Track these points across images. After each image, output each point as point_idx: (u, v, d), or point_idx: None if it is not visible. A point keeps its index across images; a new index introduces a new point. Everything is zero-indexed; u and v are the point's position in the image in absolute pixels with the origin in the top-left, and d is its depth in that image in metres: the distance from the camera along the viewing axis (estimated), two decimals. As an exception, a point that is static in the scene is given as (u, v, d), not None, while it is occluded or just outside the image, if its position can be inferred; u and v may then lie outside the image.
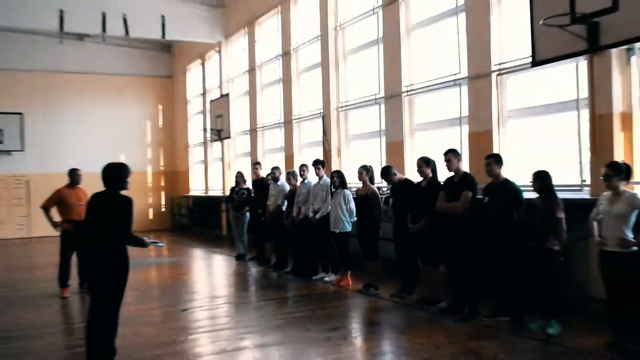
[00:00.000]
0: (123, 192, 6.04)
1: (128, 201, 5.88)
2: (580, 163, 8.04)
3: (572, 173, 8.26)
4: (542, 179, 6.90)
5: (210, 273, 12.59)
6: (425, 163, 8.52)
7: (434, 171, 8.51)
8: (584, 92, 7.78)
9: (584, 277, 7.19)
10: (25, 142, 20.57)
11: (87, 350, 5.89)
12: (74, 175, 10.02)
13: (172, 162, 23.75)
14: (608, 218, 6.22)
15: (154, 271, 13.06)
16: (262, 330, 7.43)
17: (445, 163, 8.05)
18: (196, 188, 22.03)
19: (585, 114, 7.79)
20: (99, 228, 5.85)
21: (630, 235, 6.08)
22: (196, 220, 20.73)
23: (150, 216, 23.20)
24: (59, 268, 9.77)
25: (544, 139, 8.87)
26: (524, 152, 9.07)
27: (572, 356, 6.03)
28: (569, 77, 8.13)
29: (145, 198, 23.15)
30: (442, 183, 8.29)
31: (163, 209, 23.56)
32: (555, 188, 7.15)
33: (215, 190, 19.96)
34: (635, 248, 6.06)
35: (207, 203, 19.82)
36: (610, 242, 6.17)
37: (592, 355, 5.97)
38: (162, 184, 23.66)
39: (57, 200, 9.78)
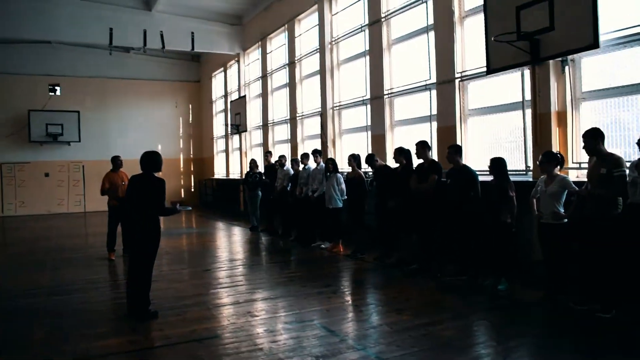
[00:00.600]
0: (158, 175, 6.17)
1: (162, 182, 6.02)
2: (525, 152, 8.13)
3: (518, 160, 8.36)
4: (497, 164, 7.00)
5: (229, 241, 12.67)
6: (399, 152, 8.64)
7: (408, 159, 8.61)
8: (528, 95, 7.86)
9: (528, 244, 7.31)
10: (82, 134, 20.58)
11: (127, 301, 6.05)
12: (116, 161, 10.08)
13: (200, 151, 23.77)
14: (544, 197, 6.35)
15: (184, 239, 13.20)
16: (270, 286, 7.53)
17: (415, 152, 8.18)
18: (219, 172, 22.08)
19: (529, 112, 7.87)
20: (138, 203, 5.97)
21: (561, 210, 6.21)
22: (219, 199, 20.83)
23: (182, 195, 23.26)
24: (107, 236, 9.93)
25: (497, 133, 8.94)
26: (482, 143, 9.15)
27: (515, 307, 6.19)
28: (516, 82, 8.18)
29: (177, 180, 23.25)
30: (414, 168, 8.42)
31: (192, 190, 23.62)
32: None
33: (235, 174, 20.03)
34: (565, 220, 6.20)
35: (228, 185, 19.90)
36: (546, 216, 6.31)
37: (531, 306, 6.12)
38: (192, 168, 23.70)
39: (106, 182, 9.90)
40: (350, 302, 6.54)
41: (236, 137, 19.47)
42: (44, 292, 7.37)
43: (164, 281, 7.84)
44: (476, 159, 8.96)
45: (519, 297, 6.46)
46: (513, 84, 8.30)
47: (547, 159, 6.34)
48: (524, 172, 8.11)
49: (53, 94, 20.75)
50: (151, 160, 6.05)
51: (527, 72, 7.86)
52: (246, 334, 5.29)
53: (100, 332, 5.51)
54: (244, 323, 5.67)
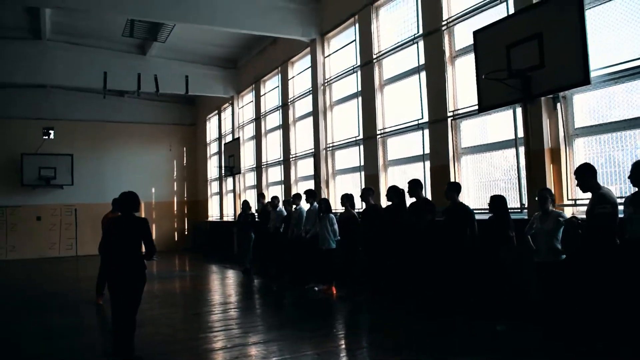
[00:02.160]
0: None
1: (146, 221, 5.86)
2: (520, 190, 8.02)
3: (513, 198, 8.24)
4: (497, 202, 6.90)
5: (221, 284, 12.40)
6: (392, 191, 8.56)
7: (402, 198, 8.51)
8: (521, 132, 7.82)
9: (525, 283, 7.12)
10: (75, 177, 20.42)
11: (114, 346, 5.81)
12: (115, 204, 9.82)
13: (194, 193, 23.58)
14: (540, 233, 6.21)
15: (175, 282, 12.94)
16: (261, 330, 7.32)
17: (408, 190, 8.09)
18: (213, 214, 21.89)
19: (522, 150, 7.81)
20: (123, 246, 5.79)
21: (559, 246, 6.07)
22: (213, 241, 20.56)
23: (176, 238, 23.00)
24: (97, 279, 9.66)
25: (491, 171, 8.87)
26: (476, 182, 9.05)
27: (514, 348, 5.95)
28: (509, 120, 8.15)
29: (171, 223, 23.01)
30: (407, 206, 8.31)
31: (186, 232, 23.34)
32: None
33: (229, 217, 19.83)
34: (563, 257, 6.06)
35: (222, 227, 19.69)
36: (542, 254, 6.16)
37: (530, 348, 5.90)
38: (186, 211, 23.48)
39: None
40: (343, 345, 6.30)
41: (230, 179, 19.38)
42: (36, 336, 7.18)
43: (152, 325, 7.58)
44: (470, 198, 8.87)
45: (518, 338, 6.23)
46: (505, 122, 8.27)
47: (548, 195, 6.25)
48: (519, 210, 7.98)
49: (47, 137, 20.61)
50: (131, 200, 5.90)
51: (519, 110, 7.84)
52: (234, 381, 5.06)
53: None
54: (233, 369, 5.43)
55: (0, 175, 19.87)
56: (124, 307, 5.75)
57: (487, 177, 8.89)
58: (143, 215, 6.04)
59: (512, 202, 8.19)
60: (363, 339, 6.93)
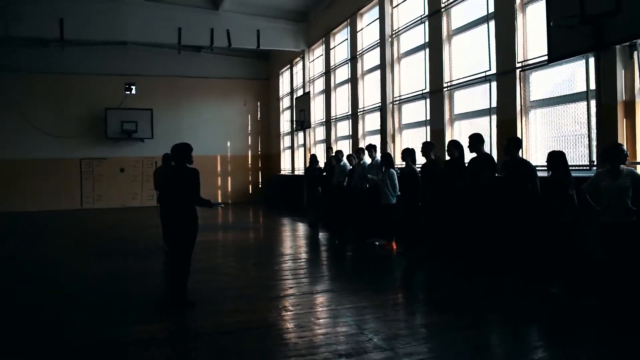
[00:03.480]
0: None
1: (196, 171, 6.01)
2: (590, 146, 7.51)
3: (582, 155, 7.75)
4: (556, 158, 6.52)
5: (286, 236, 12.64)
6: (453, 146, 8.28)
7: (461, 152, 8.23)
8: (593, 84, 7.25)
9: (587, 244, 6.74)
10: (155, 131, 21.26)
11: (168, 290, 6.09)
12: (165, 158, 10.00)
13: (268, 147, 23.98)
14: (611, 192, 5.78)
15: (242, 233, 13.26)
16: (312, 282, 7.47)
17: (468, 145, 7.78)
18: (285, 168, 22.18)
19: (593, 103, 7.27)
20: (175, 195, 5.98)
21: (632, 206, 5.67)
22: (285, 195, 20.89)
23: (250, 191, 23.62)
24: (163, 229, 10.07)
25: (560, 126, 8.34)
26: (544, 137, 8.57)
27: (571, 312, 5.69)
28: (581, 71, 7.58)
29: (245, 176, 23.64)
30: (467, 162, 8.03)
31: (260, 186, 23.88)
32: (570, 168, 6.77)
33: (300, 171, 20.03)
34: (634, 218, 5.65)
35: (293, 181, 19.94)
36: (612, 213, 5.76)
37: (589, 311, 5.61)
38: (259, 165, 23.97)
39: (157, 178, 10.02)
40: (389, 300, 6.26)
41: (301, 133, 19.49)
42: (97, 278, 7.64)
43: (212, 273, 7.91)
44: (539, 154, 8.42)
45: (576, 302, 5.94)
46: (577, 73, 7.70)
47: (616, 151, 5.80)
48: (588, 167, 7.49)
49: (129, 92, 21.57)
50: (183, 151, 6.05)
51: (592, 60, 7.26)
52: (276, 329, 5.19)
53: (135, 319, 5.59)
54: (276, 317, 5.57)
55: (86, 129, 21.03)
56: (177, 253, 5.97)
57: (556, 132, 8.38)
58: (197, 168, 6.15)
59: (582, 159, 7.72)
60: (411, 295, 6.90)
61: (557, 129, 8.36)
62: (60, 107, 20.75)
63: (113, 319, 5.60)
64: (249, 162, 23.87)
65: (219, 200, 6.09)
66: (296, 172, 20.43)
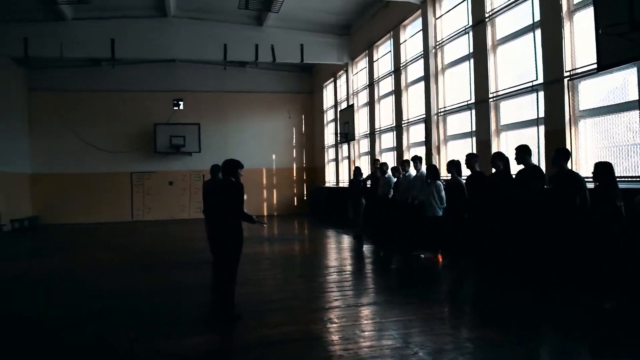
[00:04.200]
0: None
1: (240, 185, 6.13)
2: (644, 156, 7.28)
3: (635, 165, 7.50)
4: (603, 169, 6.34)
5: (331, 248, 12.63)
6: (498, 157, 8.16)
7: (507, 164, 8.11)
8: (646, 93, 7.04)
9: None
10: (202, 145, 21.70)
11: (214, 305, 6.17)
12: (214, 170, 10.05)
13: (312, 160, 24.13)
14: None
15: (288, 245, 13.33)
16: (357, 294, 7.42)
17: (515, 157, 7.66)
18: (330, 180, 22.26)
19: (646, 112, 7.05)
20: (221, 208, 6.10)
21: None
22: (330, 207, 20.93)
23: (295, 203, 23.80)
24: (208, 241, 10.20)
25: (611, 136, 8.10)
26: (595, 148, 8.34)
27: (622, 327, 5.48)
28: (632, 79, 7.37)
29: (291, 188, 23.84)
30: (515, 174, 7.90)
31: (305, 198, 24.02)
32: (621, 179, 6.57)
33: (344, 183, 20.05)
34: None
35: (338, 193, 19.96)
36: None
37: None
38: (304, 177, 24.12)
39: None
40: (435, 313, 6.17)
41: (345, 145, 19.55)
42: (145, 292, 7.83)
43: (255, 285, 7.98)
44: (589, 164, 8.19)
45: (628, 317, 5.73)
46: (629, 81, 7.48)
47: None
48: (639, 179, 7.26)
49: (177, 108, 22.15)
50: (230, 166, 6.19)
51: (644, 67, 7.05)
52: (320, 341, 5.20)
53: (181, 332, 5.69)
54: (321, 329, 5.58)
55: (137, 144, 21.69)
56: (223, 267, 6.08)
57: (608, 142, 8.14)
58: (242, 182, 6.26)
59: (635, 169, 7.47)
60: (457, 308, 6.78)
61: (608, 139, 8.13)
62: (111, 123, 21.53)
63: (158, 332, 5.69)
64: (294, 175, 24.06)
65: (264, 219, 6.06)
66: (341, 184, 20.46)
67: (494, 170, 8.32)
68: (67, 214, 20.87)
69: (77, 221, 20.60)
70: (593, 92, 8.30)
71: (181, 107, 22.20)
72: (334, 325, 5.75)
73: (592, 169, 7.31)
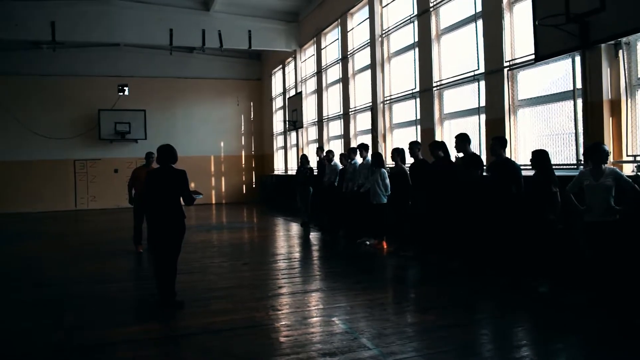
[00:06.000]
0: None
1: (184, 172, 6.01)
2: (577, 144, 7.51)
3: (569, 154, 7.75)
4: (539, 157, 6.52)
5: (278, 236, 12.58)
6: (435, 146, 8.32)
7: (446, 152, 8.27)
8: (580, 83, 7.26)
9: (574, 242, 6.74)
10: (148, 132, 21.16)
11: (158, 292, 6.04)
12: (148, 157, 10.04)
13: (261, 147, 23.92)
14: (594, 191, 5.77)
15: (234, 233, 13.22)
16: (302, 281, 7.44)
17: (454, 145, 7.80)
18: (279, 168, 22.16)
19: (580, 102, 7.27)
20: (163, 196, 5.95)
21: (614, 205, 5.66)
22: (279, 195, 20.87)
23: (244, 191, 23.60)
24: (134, 230, 10.05)
25: (548, 125, 8.34)
26: (532, 136, 8.57)
27: (556, 311, 5.69)
28: (567, 70, 7.59)
29: (239, 176, 23.62)
30: (453, 161, 8.04)
31: (254, 185, 23.84)
32: (555, 166, 6.77)
33: (293, 171, 19.99)
34: (617, 217, 5.65)
35: (286, 181, 19.92)
36: (595, 213, 5.75)
37: (575, 311, 5.61)
38: (253, 165, 23.92)
39: (134, 177, 9.95)
40: (377, 299, 6.21)
41: (293, 133, 19.47)
42: (85, 281, 7.63)
43: (201, 273, 7.90)
44: (527, 152, 8.41)
45: (562, 300, 5.94)
46: (564, 72, 7.71)
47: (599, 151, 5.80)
48: (575, 166, 7.50)
49: (122, 93, 21.51)
50: (169, 153, 6.06)
51: (578, 59, 7.26)
52: (262, 328, 5.17)
53: (123, 320, 5.60)
54: (263, 317, 5.54)
55: (80, 130, 20.96)
56: (164, 255, 5.95)
57: (545, 130, 8.38)
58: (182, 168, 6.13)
59: (569, 158, 7.73)
60: (400, 294, 6.87)
61: (545, 128, 8.37)
62: (53, 109, 20.70)
63: (101, 320, 5.59)
64: (243, 162, 23.84)
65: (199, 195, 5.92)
66: (289, 172, 20.40)
67: (433, 159, 8.45)
68: (7, 202, 19.98)
69: (18, 210, 19.78)
70: (533, 82, 8.51)
71: (126, 92, 21.56)
72: (278, 312, 5.73)
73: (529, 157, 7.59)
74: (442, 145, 8.38)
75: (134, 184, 9.96)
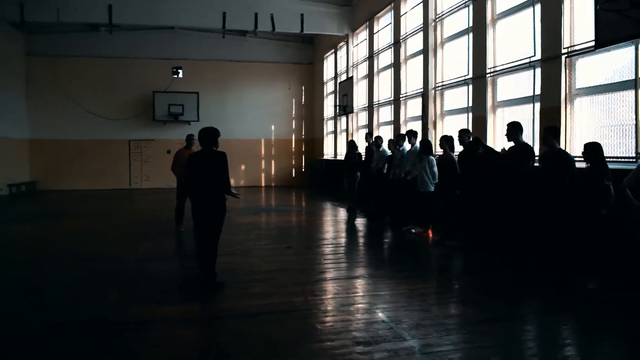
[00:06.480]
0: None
1: (224, 155, 6.07)
2: (637, 137, 7.16)
3: (629, 146, 7.39)
4: (592, 149, 6.25)
5: (325, 221, 12.61)
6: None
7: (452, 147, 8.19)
8: (642, 72, 6.89)
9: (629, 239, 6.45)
10: (200, 114, 21.52)
11: (200, 272, 6.16)
12: (189, 139, 10.16)
13: (311, 131, 23.97)
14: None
15: (281, 217, 13.34)
16: (344, 267, 7.42)
17: (506, 134, 7.56)
18: (328, 153, 22.15)
19: (642, 91, 6.91)
20: (205, 178, 6.04)
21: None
22: (328, 179, 20.89)
23: (293, 175, 23.76)
24: (176, 210, 10.24)
25: (607, 115, 7.97)
26: (590, 127, 8.22)
27: (607, 309, 5.46)
28: (630, 57, 7.21)
29: (289, 160, 23.77)
30: (506, 151, 7.80)
31: (303, 169, 23.96)
32: (613, 159, 6.48)
33: (342, 156, 19.94)
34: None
35: (336, 165, 19.89)
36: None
37: (626, 309, 5.38)
38: (303, 149, 24.01)
39: (176, 160, 10.08)
40: (418, 289, 6.12)
41: (344, 118, 19.40)
42: (132, 259, 7.87)
43: (244, 255, 8.00)
44: (582, 143, 8.06)
45: (611, 298, 5.70)
46: (628, 60, 7.32)
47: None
48: (634, 160, 7.15)
49: (176, 76, 21.92)
50: (210, 136, 6.11)
51: (641, 46, 6.90)
52: (300, 313, 5.19)
53: (163, 299, 5.75)
54: (302, 302, 5.56)
55: (135, 111, 21.57)
56: (206, 236, 6.05)
57: (603, 121, 8.01)
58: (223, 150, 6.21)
59: (628, 150, 7.37)
60: (441, 285, 6.75)
61: (604, 118, 8.00)
62: (110, 90, 21.37)
63: (142, 298, 5.74)
64: (293, 146, 23.96)
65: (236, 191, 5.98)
66: (339, 157, 20.37)
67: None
68: (64, 180, 20.88)
69: (74, 187, 20.62)
70: (592, 70, 8.13)
71: (180, 75, 21.98)
72: (317, 298, 5.75)
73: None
74: (449, 139, 8.18)
75: (177, 166, 10.08)
